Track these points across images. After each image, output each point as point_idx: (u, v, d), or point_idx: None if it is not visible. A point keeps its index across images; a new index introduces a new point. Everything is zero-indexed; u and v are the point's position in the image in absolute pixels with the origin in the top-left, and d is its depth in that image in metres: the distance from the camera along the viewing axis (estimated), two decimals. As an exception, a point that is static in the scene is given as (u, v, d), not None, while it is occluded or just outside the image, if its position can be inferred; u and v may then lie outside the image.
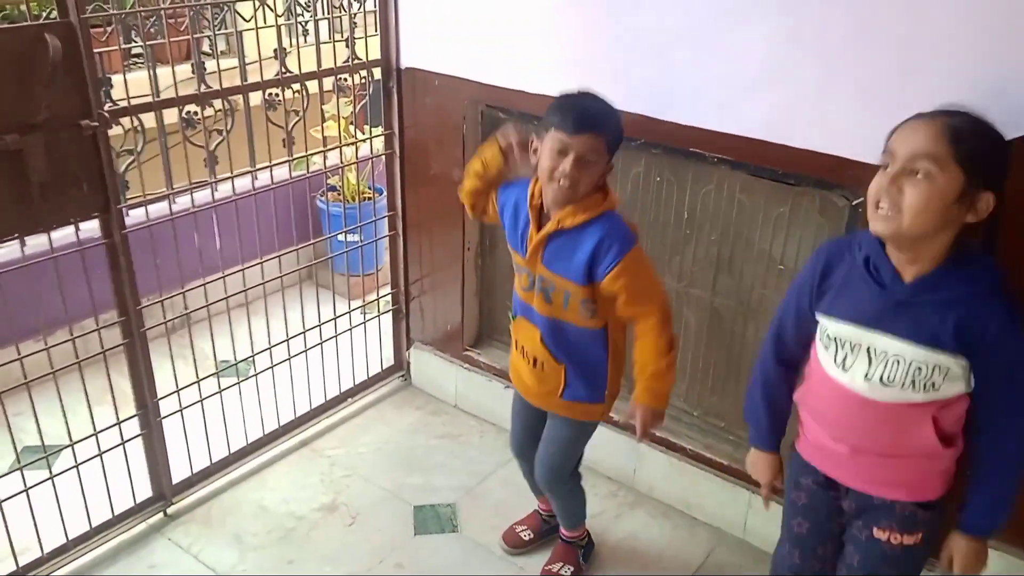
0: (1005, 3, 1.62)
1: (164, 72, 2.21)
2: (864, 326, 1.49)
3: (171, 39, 2.28)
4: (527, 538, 2.37)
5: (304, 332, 2.76)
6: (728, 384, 2.41)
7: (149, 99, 2.21)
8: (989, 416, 1.49)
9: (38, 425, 2.15)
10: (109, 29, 2.79)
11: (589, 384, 1.98)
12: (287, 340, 2.71)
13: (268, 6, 2.56)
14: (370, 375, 3.06)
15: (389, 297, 3.06)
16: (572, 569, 2.27)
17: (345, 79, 2.75)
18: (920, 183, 1.35)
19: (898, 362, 1.46)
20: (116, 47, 2.59)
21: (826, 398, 1.60)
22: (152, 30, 2.32)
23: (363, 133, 3.21)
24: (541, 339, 1.95)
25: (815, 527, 1.71)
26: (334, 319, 2.86)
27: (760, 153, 2.02)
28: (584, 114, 1.75)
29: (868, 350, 1.49)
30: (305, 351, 2.77)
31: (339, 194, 3.57)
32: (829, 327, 1.55)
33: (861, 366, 1.51)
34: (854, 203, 1.94)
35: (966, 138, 1.35)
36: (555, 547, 2.31)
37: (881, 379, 1.48)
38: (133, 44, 2.56)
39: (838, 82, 1.85)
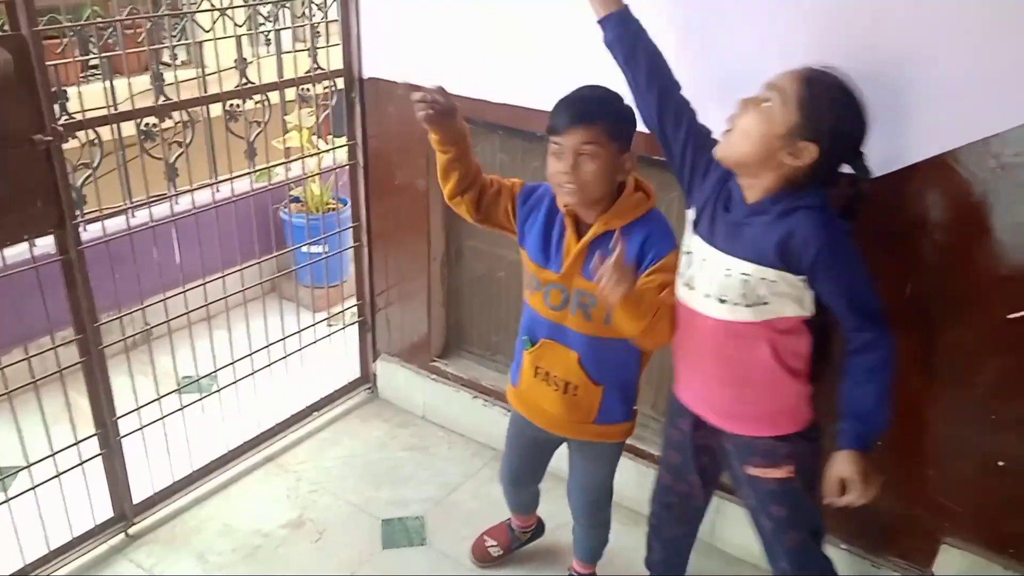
0: (966, 18, 1.65)
1: (122, 84, 2.18)
2: (707, 242, 1.63)
3: (128, 50, 2.24)
4: (495, 555, 2.35)
5: (268, 346, 2.72)
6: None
7: (106, 112, 2.17)
8: (845, 331, 1.59)
9: (-7, 447, 2.10)
10: (64, 41, 2.74)
11: (623, 402, 1.90)
12: (251, 354, 2.67)
13: (228, 16, 2.53)
14: (336, 388, 3.03)
15: (355, 309, 3.04)
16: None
17: (308, 89, 2.73)
18: (758, 110, 1.51)
19: (728, 275, 1.58)
20: (71, 59, 2.55)
21: (683, 328, 1.70)
22: (109, 41, 2.28)
23: (327, 143, 3.19)
24: (579, 361, 1.81)
25: (684, 460, 1.87)
26: (299, 332, 2.83)
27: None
28: (572, 107, 1.65)
29: (707, 264, 1.61)
30: (269, 365, 2.73)
31: (303, 205, 3.54)
32: (687, 241, 1.68)
33: (702, 283, 1.63)
34: (815, 209, 1.96)
35: (817, 91, 1.48)
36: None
37: (720, 296, 1.60)
38: (90, 56, 2.50)
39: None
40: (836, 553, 2.18)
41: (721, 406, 1.74)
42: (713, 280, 1.60)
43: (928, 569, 2.08)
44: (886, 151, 1.79)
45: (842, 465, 1.60)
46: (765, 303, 1.57)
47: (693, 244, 1.66)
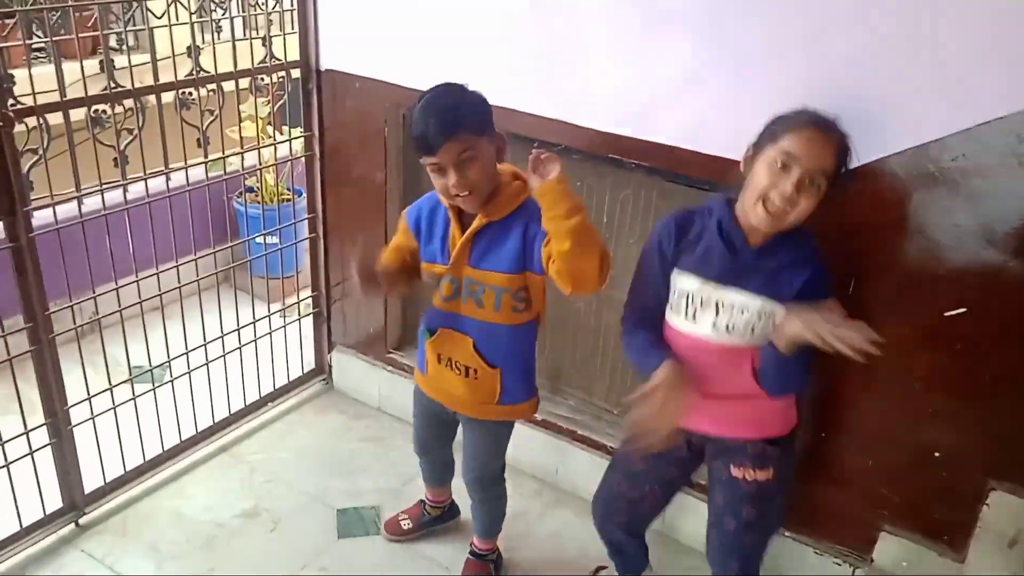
0: (907, 25, 1.71)
1: (70, 68, 2.14)
2: (716, 282, 1.69)
3: (79, 35, 2.20)
4: (406, 527, 2.41)
5: (222, 336, 2.71)
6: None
7: (55, 96, 2.13)
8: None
9: (-61, 437, 2.06)
10: (9, 23, 2.67)
11: (524, 381, 1.99)
12: (204, 344, 2.65)
13: (181, 3, 2.50)
14: (291, 379, 3.02)
15: (310, 300, 3.03)
16: None
17: (262, 79, 2.71)
18: (813, 193, 1.56)
19: (743, 312, 1.67)
20: (18, 43, 2.48)
21: (677, 351, 1.75)
22: (57, 23, 2.23)
23: (281, 134, 3.17)
24: (475, 346, 1.90)
25: (652, 469, 1.90)
26: (253, 323, 2.81)
27: (676, 159, 2.08)
28: (432, 125, 1.65)
29: (717, 303, 1.69)
30: (223, 355, 2.72)
31: (257, 196, 3.51)
32: (683, 283, 1.73)
33: (708, 316, 1.71)
34: (764, 208, 2.02)
35: (845, 155, 1.59)
36: (466, 563, 2.31)
37: (726, 327, 1.69)
38: (36, 40, 2.45)
39: (751, 92, 1.92)
40: (779, 540, 2.26)
41: (722, 416, 1.79)
42: (724, 316, 1.69)
43: (868, 556, 2.16)
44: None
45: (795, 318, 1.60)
46: (757, 332, 1.69)
47: (688, 284, 1.72)
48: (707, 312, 1.71)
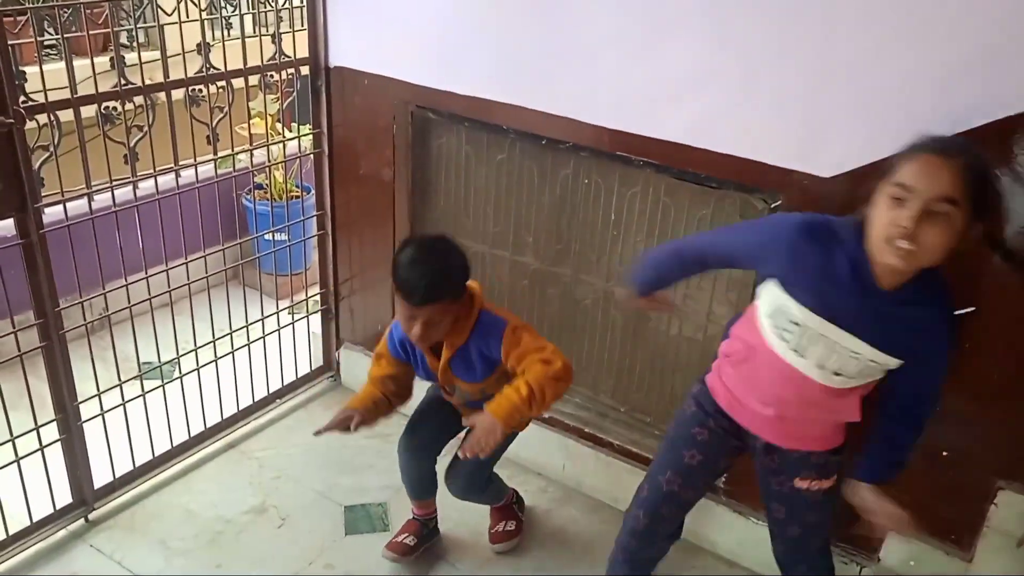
0: (916, 18, 1.71)
1: (80, 65, 2.15)
2: (836, 324, 1.55)
3: (90, 31, 2.21)
4: (412, 543, 2.35)
5: (231, 333, 2.72)
6: (653, 381, 2.47)
7: (66, 93, 2.14)
8: (906, 390, 1.65)
9: (-50, 432, 2.08)
10: (21, 20, 2.68)
11: None
12: (213, 341, 2.66)
13: (191, 0, 2.51)
14: (299, 376, 3.03)
15: (318, 297, 3.04)
16: (514, 523, 2.39)
17: (272, 76, 2.72)
18: (942, 224, 1.40)
19: (856, 358, 1.56)
20: (30, 39, 2.50)
21: (768, 374, 1.68)
22: (68, 21, 2.24)
23: (290, 131, 3.18)
24: (464, 405, 2.12)
25: (706, 462, 1.84)
26: (262, 319, 2.82)
27: (683, 157, 2.08)
28: (421, 290, 1.81)
29: (832, 344, 1.57)
30: (232, 352, 2.73)
31: (266, 192, 3.52)
32: (794, 312, 1.58)
33: (817, 354, 1.59)
34: (772, 205, 2.02)
35: (979, 180, 1.41)
36: (491, 512, 2.41)
37: (835, 370, 1.59)
38: (48, 37, 2.46)
39: (758, 90, 1.92)
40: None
41: (790, 433, 1.74)
42: (833, 357, 1.58)
43: (875, 555, 2.16)
44: (840, 151, 1.86)
45: (873, 497, 1.71)
46: (878, 376, 1.63)
47: (802, 316, 1.58)
48: (816, 348, 1.59)
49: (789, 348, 1.62)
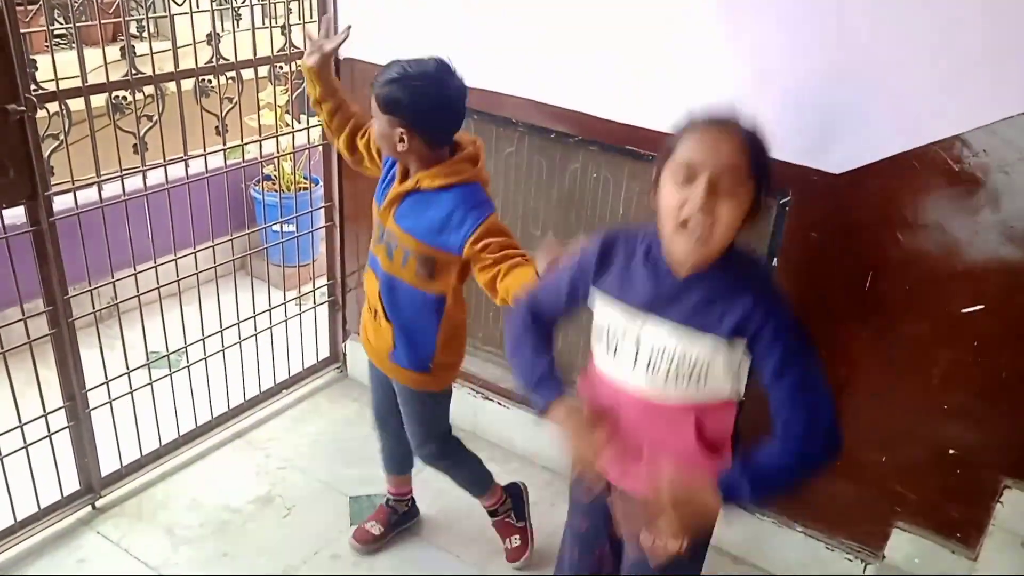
0: (927, 16, 1.70)
1: (91, 54, 2.15)
2: (634, 307, 1.45)
3: (100, 21, 2.22)
4: (377, 532, 2.35)
5: (238, 323, 2.72)
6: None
7: (76, 82, 2.15)
8: (779, 409, 1.41)
9: (-40, 418, 2.09)
10: (32, 9, 2.69)
11: (412, 350, 1.99)
12: (221, 331, 2.67)
13: (202, -10, 2.52)
14: (306, 366, 3.04)
15: (325, 288, 3.05)
16: (518, 538, 2.33)
17: (281, 67, 2.72)
18: (727, 201, 1.32)
19: (663, 350, 1.42)
20: (41, 28, 2.51)
21: (603, 396, 1.54)
22: (79, 10, 2.24)
23: (298, 122, 3.18)
24: (379, 292, 1.97)
25: (595, 526, 1.70)
26: (269, 310, 2.83)
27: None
28: (380, 96, 1.78)
29: (637, 337, 1.45)
30: (239, 342, 2.74)
31: (274, 184, 3.53)
32: (604, 310, 1.49)
33: (629, 351, 1.46)
34: (781, 201, 2.01)
35: (759, 150, 1.35)
36: (494, 527, 2.35)
37: (647, 366, 1.44)
38: (59, 26, 2.47)
39: (770, 86, 1.92)
40: (792, 535, 2.26)
41: (641, 476, 1.50)
42: (644, 353, 1.44)
43: (880, 552, 2.16)
44: (849, 148, 1.86)
45: (687, 496, 1.38)
46: (700, 382, 1.43)
47: (610, 313, 1.49)
48: (628, 346, 1.46)
49: (605, 353, 1.50)
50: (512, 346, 1.62)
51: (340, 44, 2.06)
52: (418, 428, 2.13)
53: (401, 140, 1.78)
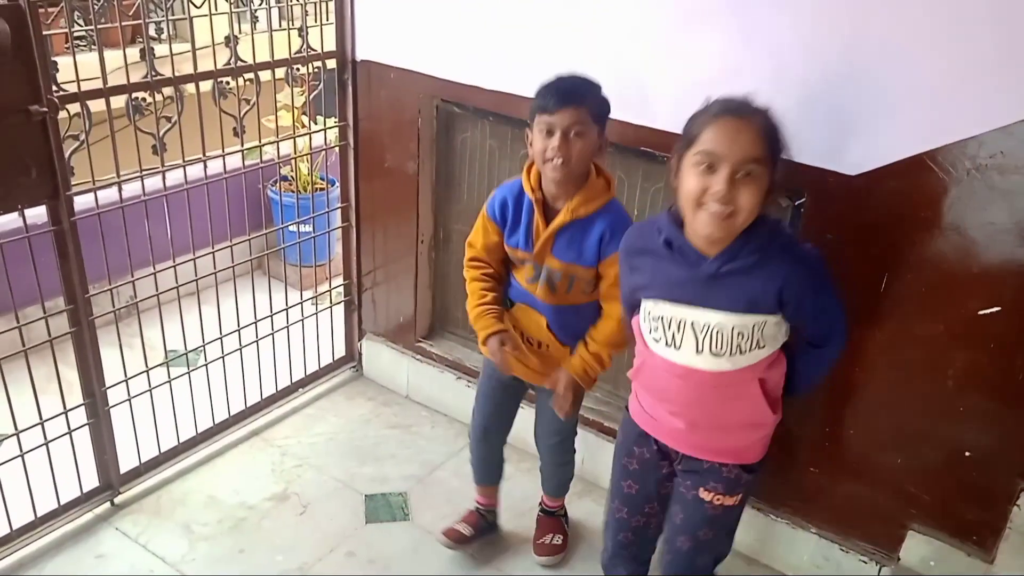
0: (943, 17, 1.70)
1: (111, 56, 2.18)
2: (682, 303, 1.58)
3: (121, 23, 2.25)
4: (467, 533, 2.37)
5: (255, 322, 2.75)
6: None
7: (97, 84, 2.17)
8: (808, 339, 1.66)
9: (-18, 414, 2.12)
10: (54, 11, 2.72)
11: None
12: (238, 330, 2.70)
13: (220, -7, 2.54)
14: (322, 366, 3.06)
15: (341, 288, 3.07)
16: (562, 537, 2.37)
17: (298, 69, 2.74)
18: (751, 184, 1.44)
19: (719, 332, 1.56)
20: (62, 30, 2.54)
21: (663, 378, 1.69)
22: (99, 12, 2.27)
23: (315, 124, 3.20)
24: (548, 326, 2.01)
25: (643, 489, 1.83)
26: (286, 309, 2.85)
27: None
28: (561, 89, 1.80)
29: (691, 325, 1.58)
30: (256, 341, 2.76)
31: (291, 184, 3.55)
32: (651, 309, 1.64)
33: (690, 342, 1.60)
34: (797, 203, 2.01)
35: (775, 136, 1.47)
36: (539, 521, 2.39)
37: (711, 350, 1.58)
38: (79, 28, 2.50)
39: (785, 87, 1.91)
40: (806, 537, 2.25)
41: (705, 444, 1.72)
42: (703, 337, 1.58)
43: (895, 554, 2.15)
44: (865, 149, 1.85)
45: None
46: (760, 347, 1.59)
47: (655, 309, 1.63)
48: (686, 336, 1.60)
49: (665, 346, 1.64)
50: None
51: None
52: (564, 426, 2.20)
53: (600, 149, 1.86)
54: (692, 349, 1.60)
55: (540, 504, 2.41)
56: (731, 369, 1.60)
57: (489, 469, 2.35)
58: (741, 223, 1.47)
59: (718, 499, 1.72)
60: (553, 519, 2.40)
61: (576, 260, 1.91)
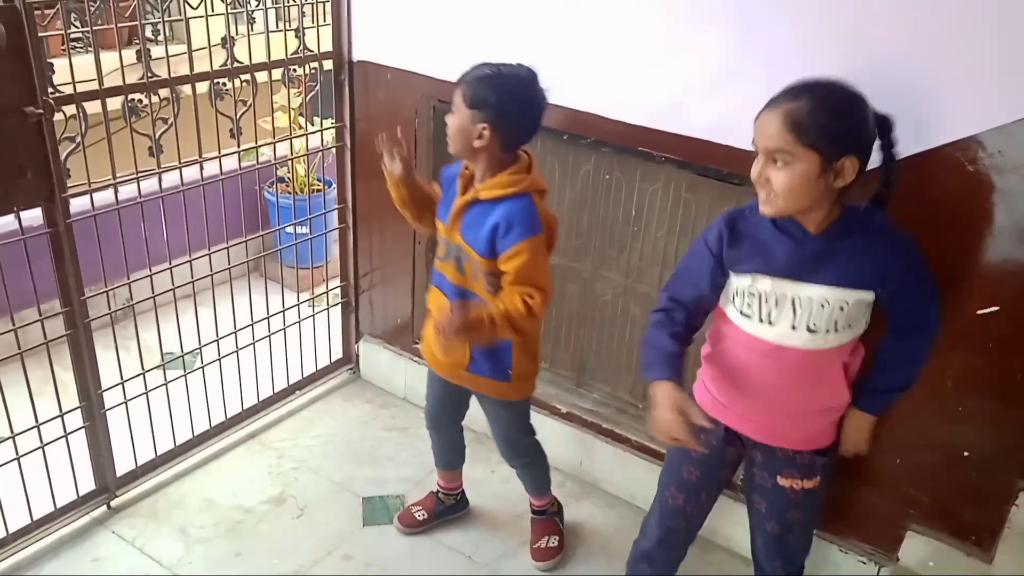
0: (941, 18, 1.70)
1: (106, 57, 2.17)
2: (787, 278, 1.61)
3: (117, 24, 2.24)
4: (421, 518, 2.42)
5: (252, 324, 2.74)
6: (672, 377, 2.47)
7: (93, 85, 2.16)
8: (901, 327, 1.69)
9: (-23, 417, 2.10)
10: (50, 13, 2.71)
11: (492, 360, 2.01)
12: (235, 332, 2.69)
13: (217, -6, 2.53)
14: (319, 368, 3.05)
15: (338, 290, 3.06)
16: (558, 538, 2.36)
17: (295, 70, 2.74)
18: (781, 169, 1.51)
19: (823, 306, 1.59)
20: (58, 31, 2.53)
21: (747, 358, 1.70)
22: (95, 14, 2.27)
23: (312, 125, 3.20)
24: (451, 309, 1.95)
25: (704, 476, 1.86)
26: (282, 311, 2.84)
27: (706, 153, 2.07)
28: (465, 71, 1.83)
29: (793, 301, 1.61)
30: (253, 343, 2.75)
31: (288, 186, 3.54)
32: (748, 284, 1.65)
33: (787, 317, 1.62)
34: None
35: (807, 121, 1.48)
36: (532, 523, 2.38)
37: (808, 327, 1.61)
38: (75, 29, 2.49)
39: (784, 86, 1.91)
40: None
41: (778, 430, 1.75)
42: (803, 313, 1.60)
43: (894, 555, 2.15)
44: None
45: (865, 426, 1.75)
46: (850, 327, 1.62)
47: (761, 285, 1.63)
48: (784, 312, 1.62)
49: (758, 322, 1.66)
50: (644, 344, 1.77)
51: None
52: (505, 431, 2.19)
53: (480, 136, 1.81)
54: (788, 325, 1.62)
55: (530, 506, 2.40)
56: (823, 348, 1.62)
57: (445, 454, 2.38)
58: (783, 205, 1.53)
59: (797, 484, 1.76)
60: (545, 520, 2.38)
61: (473, 243, 1.89)
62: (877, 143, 1.58)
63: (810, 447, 1.75)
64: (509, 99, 1.81)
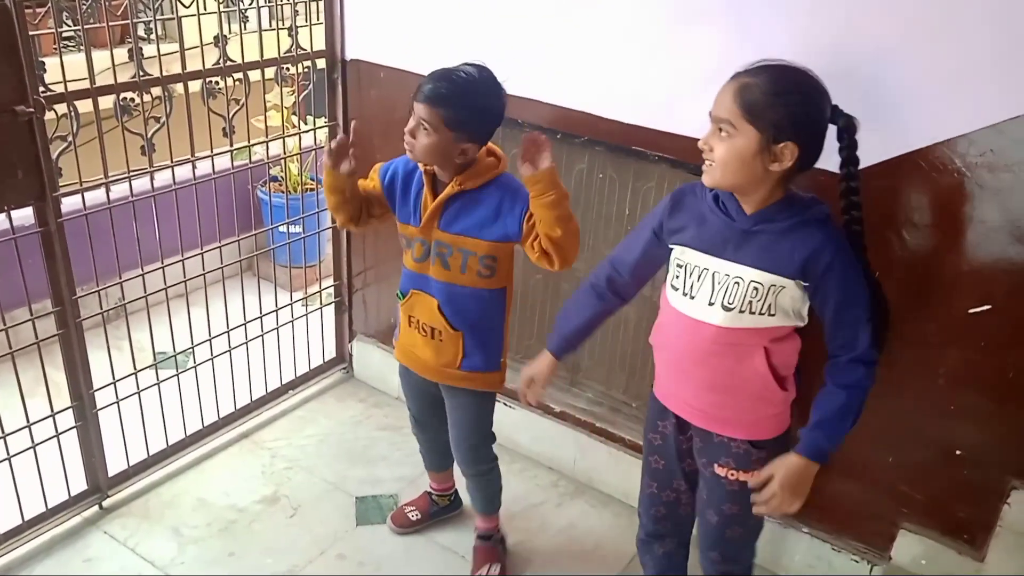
0: (934, 19, 1.70)
1: (99, 56, 2.17)
2: (712, 254, 1.63)
3: (109, 23, 2.23)
4: (414, 518, 2.42)
5: (245, 324, 2.73)
6: (666, 376, 2.47)
7: (84, 84, 2.16)
8: (831, 340, 1.64)
9: (-32, 417, 2.10)
10: (41, 11, 2.70)
11: (486, 351, 2.01)
12: (227, 332, 2.68)
13: (209, -7, 2.52)
14: (312, 367, 3.05)
15: (331, 289, 3.05)
16: (499, 567, 2.30)
17: (288, 68, 2.73)
18: (724, 140, 1.53)
19: (737, 284, 1.60)
20: (49, 30, 2.52)
21: (673, 331, 1.73)
22: (87, 12, 2.26)
23: (305, 124, 3.19)
24: (439, 307, 1.96)
25: (668, 464, 1.88)
26: (275, 311, 2.84)
27: (699, 152, 2.07)
28: (432, 84, 1.80)
29: (713, 276, 1.63)
30: (246, 343, 2.74)
31: (281, 185, 3.54)
32: (680, 256, 1.69)
33: (705, 292, 1.64)
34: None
35: (756, 99, 1.49)
36: (474, 550, 2.33)
37: (723, 304, 1.62)
38: (67, 28, 2.49)
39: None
40: (797, 536, 2.25)
41: (704, 409, 1.74)
42: (720, 289, 1.61)
43: (887, 553, 2.15)
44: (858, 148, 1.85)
45: (787, 470, 1.64)
46: (771, 313, 1.60)
47: (687, 257, 1.67)
48: (703, 286, 1.64)
49: (681, 295, 1.68)
50: (570, 299, 1.86)
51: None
52: (475, 435, 2.15)
53: (463, 153, 1.83)
54: (705, 300, 1.64)
55: (475, 527, 2.35)
56: (737, 327, 1.62)
57: (433, 456, 2.36)
58: (719, 177, 1.56)
59: (732, 474, 1.74)
60: (487, 546, 2.31)
61: (465, 231, 1.89)
62: (837, 145, 1.59)
63: (743, 436, 1.72)
64: (483, 113, 1.83)
